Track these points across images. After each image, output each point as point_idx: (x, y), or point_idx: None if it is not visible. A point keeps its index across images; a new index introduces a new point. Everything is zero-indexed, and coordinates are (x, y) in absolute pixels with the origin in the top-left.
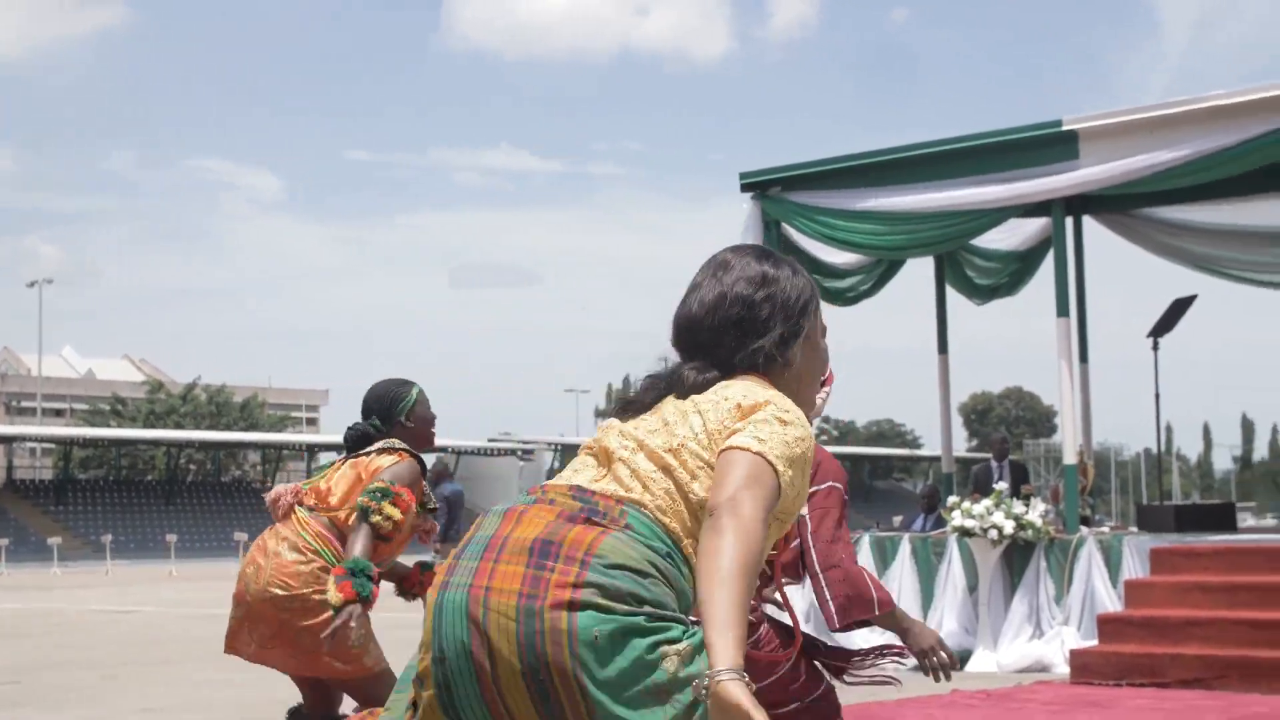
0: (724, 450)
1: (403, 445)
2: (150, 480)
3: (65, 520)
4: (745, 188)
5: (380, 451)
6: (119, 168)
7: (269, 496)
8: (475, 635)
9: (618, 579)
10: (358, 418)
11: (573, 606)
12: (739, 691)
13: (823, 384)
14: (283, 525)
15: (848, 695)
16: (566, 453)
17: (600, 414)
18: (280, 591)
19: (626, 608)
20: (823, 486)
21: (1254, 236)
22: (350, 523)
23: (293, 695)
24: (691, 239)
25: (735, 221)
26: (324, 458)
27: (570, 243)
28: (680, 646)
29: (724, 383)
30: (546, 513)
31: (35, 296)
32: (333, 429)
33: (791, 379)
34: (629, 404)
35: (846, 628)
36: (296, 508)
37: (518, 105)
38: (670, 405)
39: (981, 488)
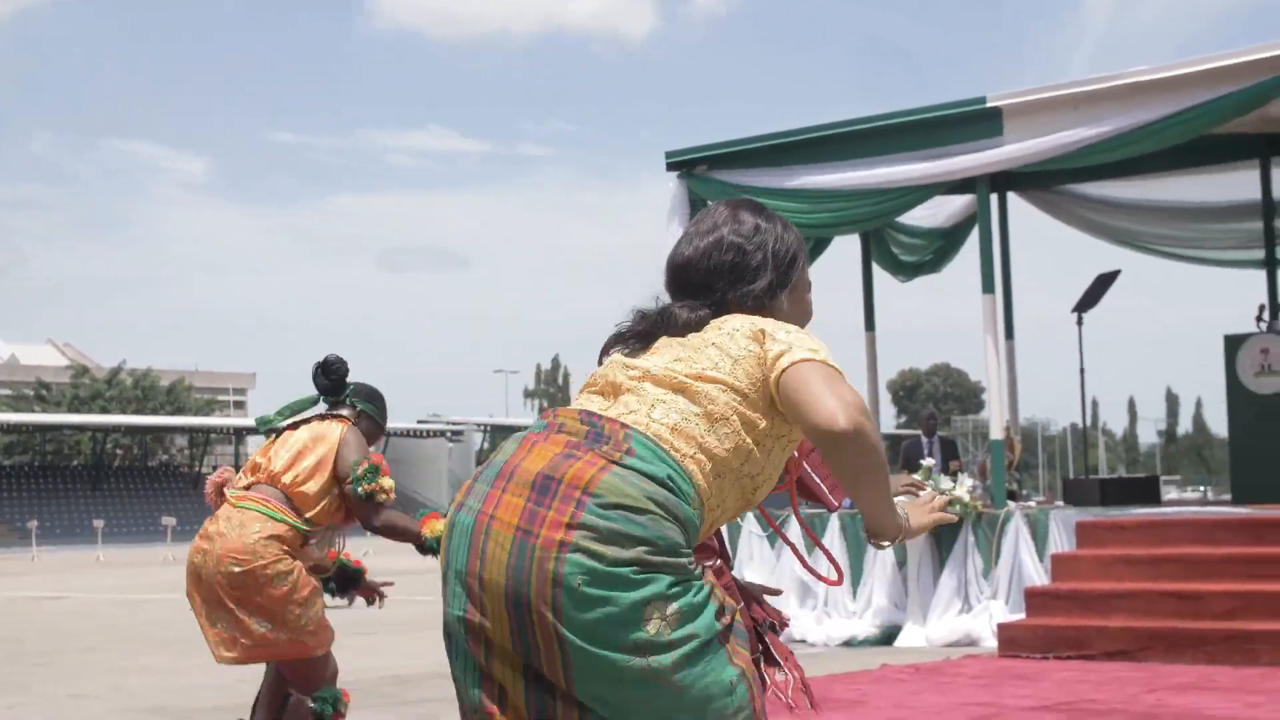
0: (787, 369)
1: (337, 410)
2: (76, 465)
3: None
4: (671, 166)
5: (321, 418)
6: (42, 151)
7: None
8: (473, 559)
9: (612, 519)
10: (284, 400)
11: (562, 548)
12: (916, 520)
13: None
14: (221, 510)
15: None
16: (496, 433)
17: (529, 394)
18: (235, 569)
19: (617, 553)
20: None
21: (1176, 211)
22: (296, 490)
23: (218, 680)
24: (620, 219)
25: (662, 200)
26: (252, 441)
27: (499, 224)
28: (670, 610)
29: (719, 319)
30: (555, 443)
31: None
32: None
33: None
34: (622, 336)
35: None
36: (226, 490)
37: (445, 86)
38: (674, 343)
39: (911, 464)
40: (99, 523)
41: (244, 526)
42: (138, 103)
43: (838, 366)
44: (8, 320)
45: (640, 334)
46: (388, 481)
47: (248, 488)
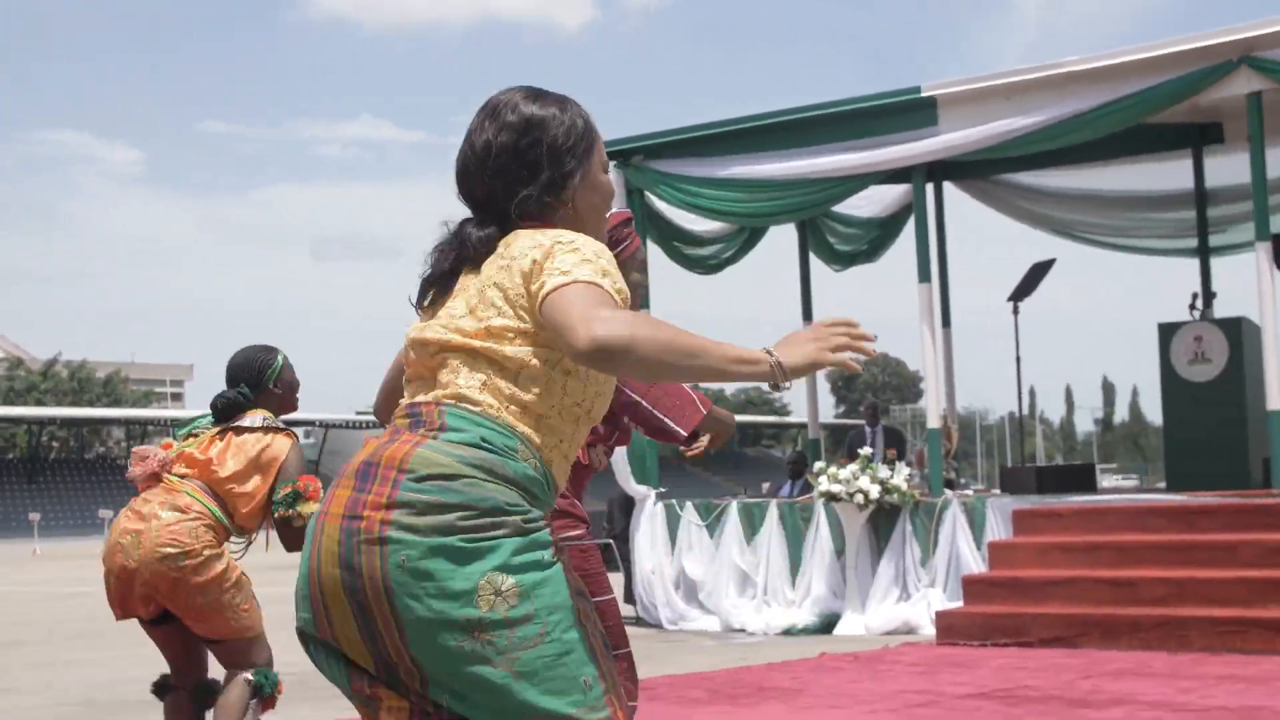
0: (542, 303)
1: (276, 422)
2: (11, 458)
3: None
4: (609, 157)
5: (266, 430)
6: None
7: (135, 457)
8: (312, 559)
9: (427, 490)
10: (205, 413)
11: (383, 526)
12: (795, 357)
13: (623, 250)
14: (152, 491)
15: (717, 660)
16: None
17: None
18: (172, 549)
19: (434, 522)
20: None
21: (1110, 201)
22: (235, 494)
23: (149, 673)
24: None
25: None
26: None
27: (433, 214)
28: (507, 584)
29: (504, 242)
30: (381, 437)
31: None
32: (198, 404)
33: (571, 220)
34: (430, 283)
35: (692, 435)
36: (166, 475)
37: (378, 76)
38: (467, 286)
39: (854, 454)
40: (35, 516)
41: (183, 514)
42: (66, 93)
43: (589, 278)
44: None
45: (445, 274)
46: (308, 508)
47: (183, 477)
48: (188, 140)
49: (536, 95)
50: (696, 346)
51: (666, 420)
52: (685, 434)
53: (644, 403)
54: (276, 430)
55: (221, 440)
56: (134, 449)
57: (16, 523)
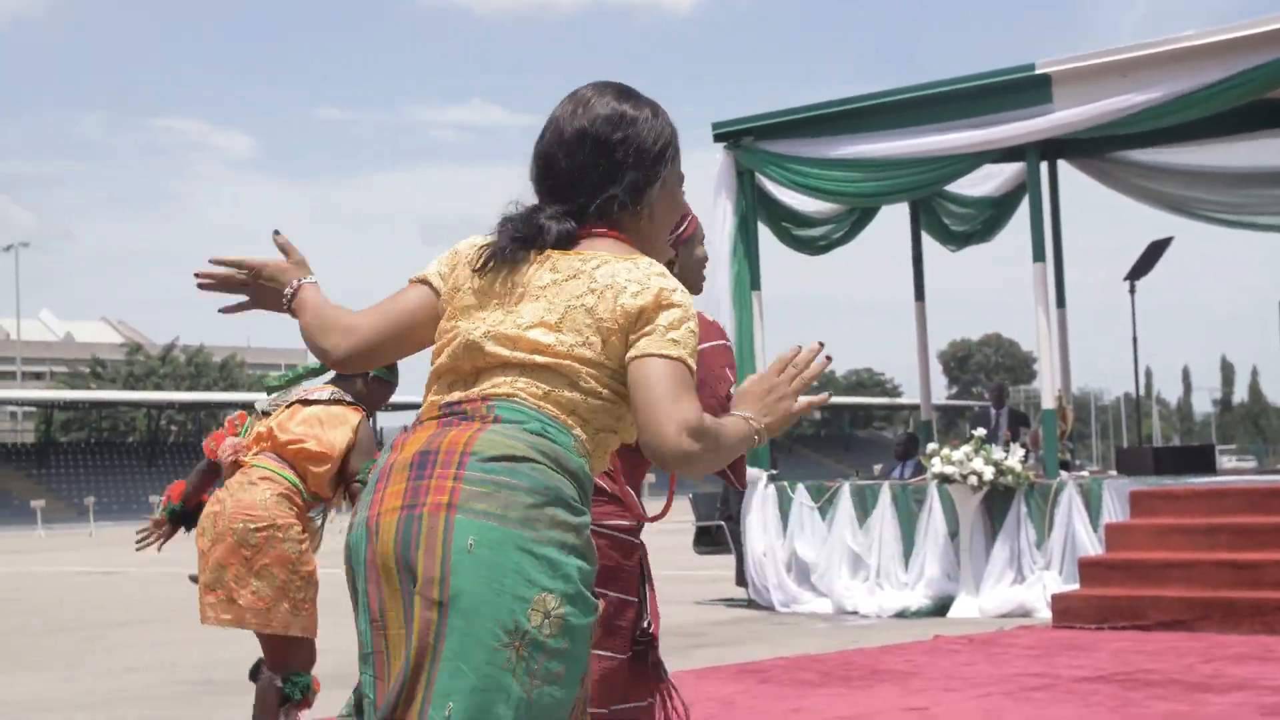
0: (634, 361)
1: (344, 396)
2: (131, 442)
3: (47, 483)
4: (718, 138)
5: (332, 402)
6: (88, 130)
7: (215, 438)
8: (370, 566)
9: (497, 471)
10: (333, 374)
11: (450, 510)
12: (772, 422)
13: (684, 230)
14: (232, 477)
15: (829, 643)
16: None
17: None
18: (245, 523)
19: (505, 504)
20: (711, 345)
21: (1228, 177)
22: (304, 457)
23: (259, 653)
24: None
25: (709, 172)
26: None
27: None
28: (557, 610)
29: (581, 255)
30: (422, 432)
31: (11, 261)
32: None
33: (646, 228)
34: (499, 251)
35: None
36: (241, 458)
37: (488, 60)
38: (541, 291)
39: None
40: (155, 498)
41: (255, 486)
42: (182, 81)
43: (690, 361)
44: (62, 298)
45: (511, 249)
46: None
47: (256, 454)
48: (302, 127)
49: (630, 94)
50: (727, 441)
51: (728, 473)
52: (741, 489)
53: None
54: (343, 403)
55: (287, 412)
56: (214, 444)
57: (137, 505)
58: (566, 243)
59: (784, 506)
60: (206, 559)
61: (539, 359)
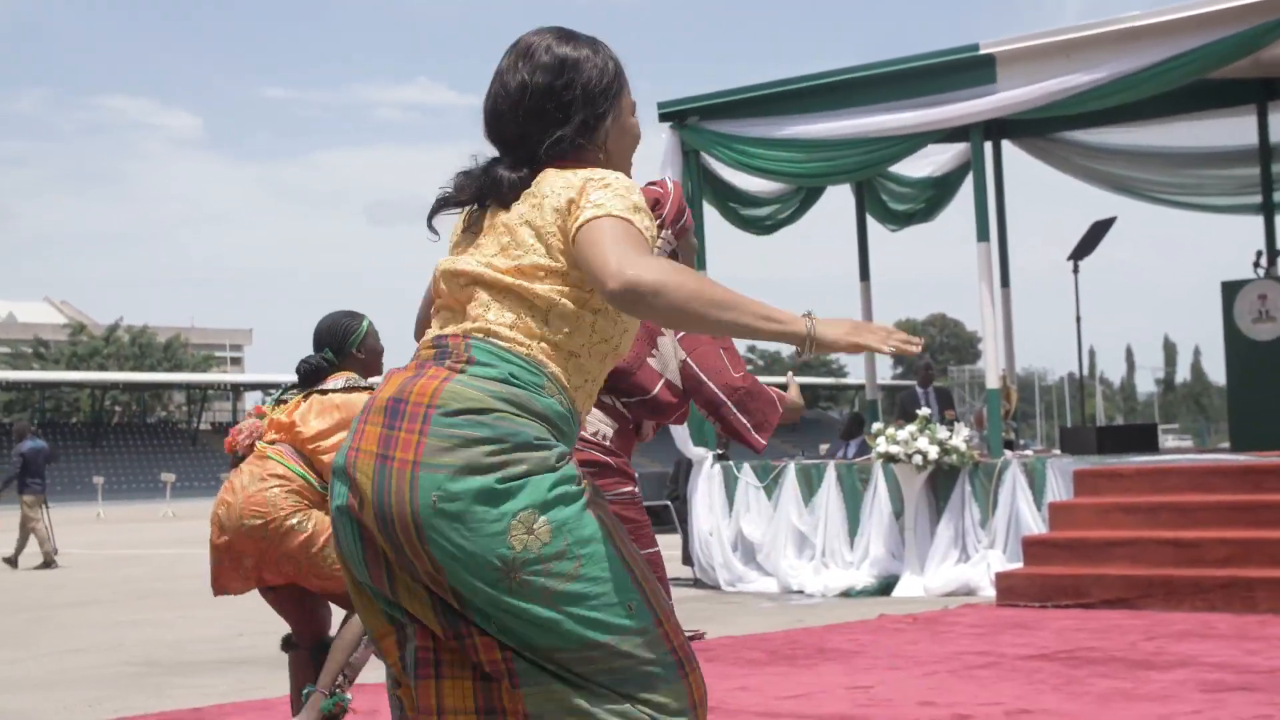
0: (575, 236)
1: (359, 382)
2: (75, 423)
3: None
4: (664, 118)
5: (348, 390)
6: (29, 109)
7: (231, 434)
8: (350, 493)
9: (457, 425)
10: (281, 356)
11: (415, 466)
12: (834, 332)
13: (686, 221)
14: (246, 462)
15: (775, 622)
16: None
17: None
18: (255, 521)
19: (467, 459)
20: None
21: (1172, 158)
22: (320, 452)
23: (217, 633)
24: None
25: (654, 151)
26: (249, 397)
27: None
28: (539, 522)
29: (536, 180)
30: (408, 369)
31: None
32: (257, 368)
33: (601, 163)
34: (445, 201)
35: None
36: (258, 443)
37: (435, 40)
38: (499, 224)
39: (907, 414)
40: (99, 479)
41: (263, 481)
42: (127, 59)
43: (624, 215)
44: (4, 278)
45: (472, 209)
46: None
47: (272, 443)
48: (247, 106)
49: (569, 36)
50: (728, 299)
51: (749, 429)
52: (762, 446)
53: (729, 404)
54: (359, 389)
55: (305, 403)
56: (233, 427)
57: (81, 486)
58: (522, 187)
59: (730, 486)
60: (222, 553)
61: (502, 279)
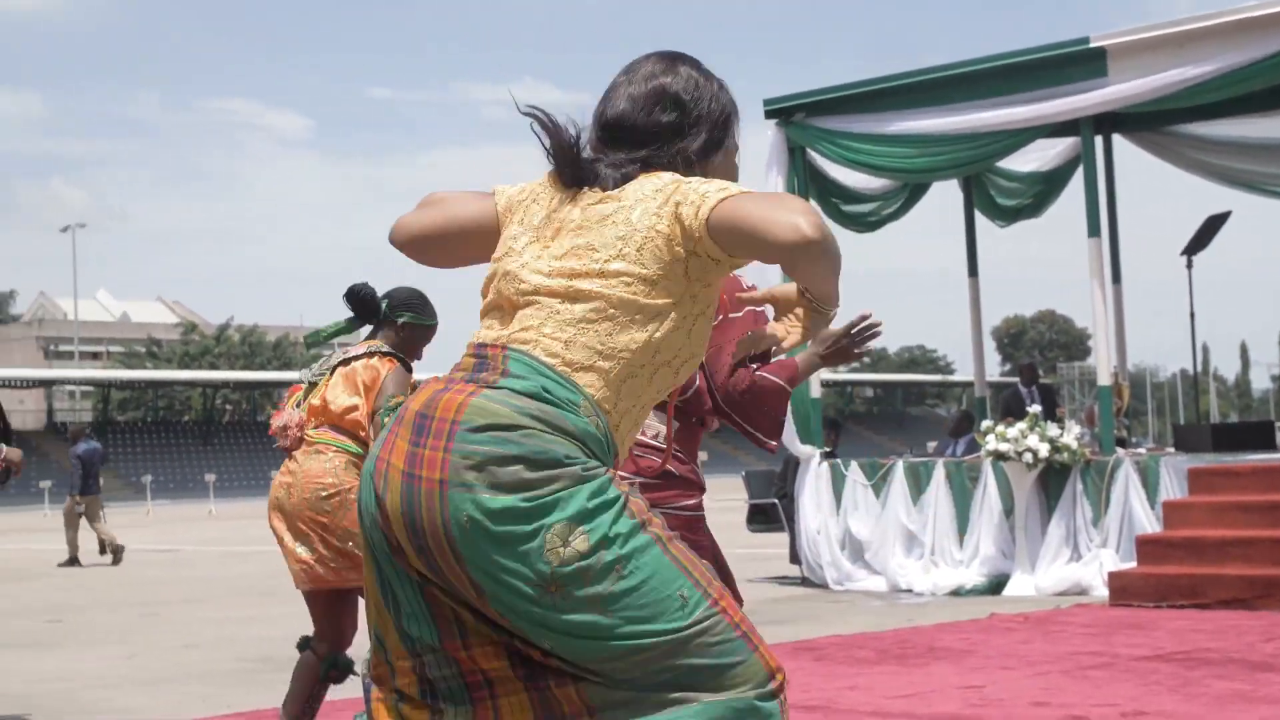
0: (716, 207)
1: (382, 348)
2: (187, 421)
3: (106, 462)
4: (770, 114)
5: (370, 355)
6: (142, 111)
7: (277, 423)
8: (379, 505)
9: (482, 442)
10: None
11: (442, 485)
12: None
13: None
14: (299, 453)
15: (884, 621)
16: None
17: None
18: (318, 490)
19: (494, 475)
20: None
21: None
22: (355, 422)
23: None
24: None
25: (760, 148)
26: None
27: None
28: (576, 534)
29: (641, 179)
30: (431, 386)
31: (68, 241)
32: None
33: None
34: (564, 166)
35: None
36: (306, 433)
37: (540, 38)
38: (579, 222)
39: (1015, 413)
40: (210, 477)
41: (321, 454)
42: (235, 63)
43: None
44: (118, 279)
45: (568, 179)
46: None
47: (316, 429)
48: (355, 106)
49: (696, 62)
50: (837, 262)
51: (758, 434)
52: (774, 447)
53: (735, 416)
54: (382, 355)
55: (331, 380)
56: (274, 424)
57: (193, 483)
58: (619, 185)
59: (837, 484)
60: (280, 528)
61: (573, 285)
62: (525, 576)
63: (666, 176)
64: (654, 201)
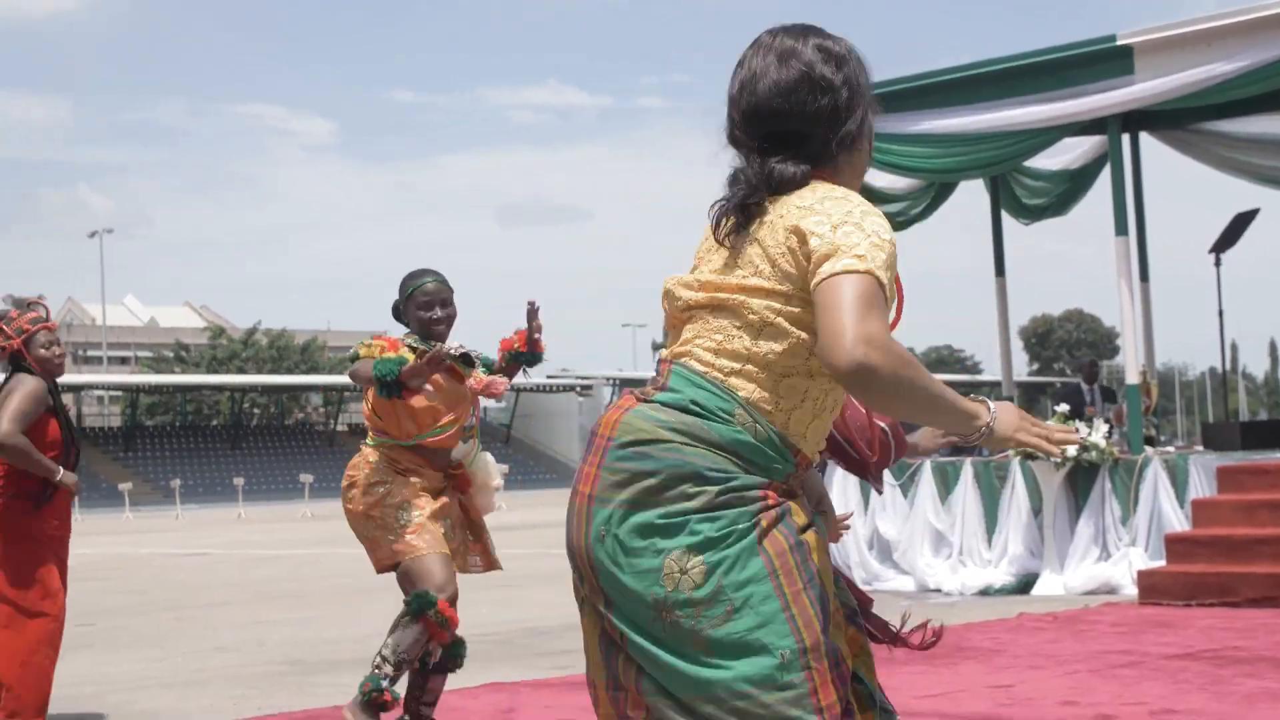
0: (823, 283)
1: (413, 342)
2: (216, 425)
3: (134, 466)
4: None
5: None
6: (168, 117)
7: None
8: (574, 532)
9: (627, 458)
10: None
11: (590, 501)
12: (1005, 428)
13: None
14: None
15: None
16: (624, 387)
17: (657, 347)
18: (344, 484)
19: (634, 491)
20: None
21: None
22: (376, 412)
23: (357, 632)
24: None
25: None
26: None
27: (620, 177)
28: (692, 563)
29: (779, 203)
30: (626, 395)
31: (95, 248)
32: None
33: (852, 173)
34: (721, 214)
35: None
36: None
37: (564, 41)
38: (734, 237)
39: (1077, 412)
40: (239, 481)
41: (358, 452)
42: (260, 69)
43: (881, 275)
44: (146, 283)
45: (731, 207)
46: (366, 349)
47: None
48: (378, 110)
49: (826, 33)
50: (928, 385)
51: (871, 474)
52: (879, 491)
53: (835, 434)
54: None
55: None
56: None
57: (222, 488)
58: (800, 185)
59: (865, 484)
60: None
61: (717, 297)
62: (642, 599)
63: (814, 197)
64: (793, 219)
